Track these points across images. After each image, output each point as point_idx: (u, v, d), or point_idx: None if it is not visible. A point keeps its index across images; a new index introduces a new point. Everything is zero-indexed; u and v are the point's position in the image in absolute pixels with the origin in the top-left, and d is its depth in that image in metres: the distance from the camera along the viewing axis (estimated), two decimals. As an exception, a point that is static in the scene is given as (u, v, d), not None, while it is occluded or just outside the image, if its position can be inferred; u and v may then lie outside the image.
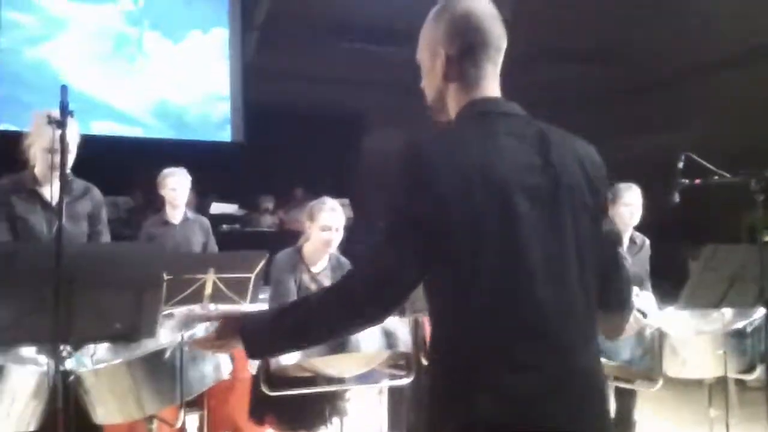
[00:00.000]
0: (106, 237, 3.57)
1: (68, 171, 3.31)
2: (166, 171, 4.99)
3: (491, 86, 1.70)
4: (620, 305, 1.80)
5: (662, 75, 11.65)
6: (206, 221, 5.20)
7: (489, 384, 1.50)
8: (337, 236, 3.80)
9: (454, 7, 1.69)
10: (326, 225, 3.76)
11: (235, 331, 1.72)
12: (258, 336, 1.70)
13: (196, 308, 3.08)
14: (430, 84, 1.75)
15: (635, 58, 11.61)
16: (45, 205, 3.31)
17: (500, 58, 1.71)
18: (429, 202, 1.53)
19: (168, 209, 5.00)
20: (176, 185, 4.93)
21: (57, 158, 3.16)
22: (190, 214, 5.07)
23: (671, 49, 11.15)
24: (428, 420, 1.60)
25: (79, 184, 3.46)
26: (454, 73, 1.69)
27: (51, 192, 3.20)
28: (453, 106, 1.71)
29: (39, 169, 3.32)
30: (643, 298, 4.24)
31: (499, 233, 1.52)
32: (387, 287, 1.60)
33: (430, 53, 1.72)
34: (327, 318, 1.64)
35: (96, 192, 3.52)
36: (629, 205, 4.21)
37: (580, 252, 1.59)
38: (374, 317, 1.65)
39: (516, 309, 1.52)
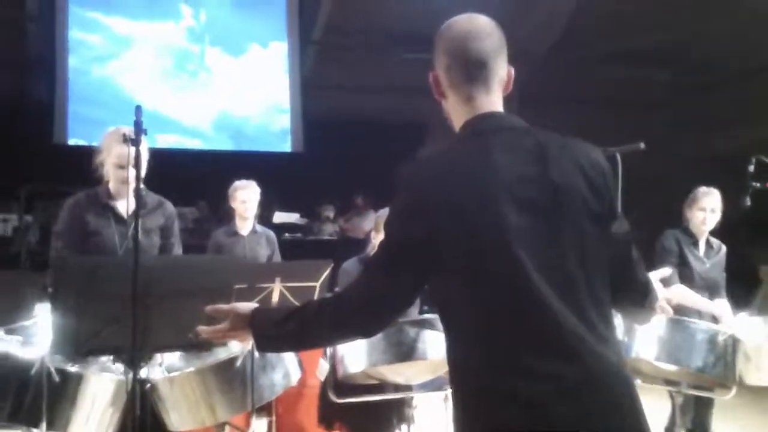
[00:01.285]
0: (178, 249, 3.65)
1: (142, 186, 3.45)
2: (237, 183, 5.04)
3: (486, 102, 1.71)
4: (641, 299, 1.80)
5: (730, 73, 11.35)
6: (273, 234, 5.26)
7: (506, 396, 1.52)
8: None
9: (450, 28, 1.73)
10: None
11: (246, 323, 1.79)
12: (265, 332, 1.78)
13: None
14: (440, 101, 1.80)
15: (703, 57, 11.35)
16: (118, 219, 3.39)
17: (494, 74, 1.71)
18: (422, 227, 1.58)
19: (237, 221, 5.06)
20: (246, 198, 4.98)
21: (130, 173, 3.29)
22: (258, 227, 5.13)
23: (739, 47, 10.87)
24: None
25: (152, 198, 3.54)
26: (450, 93, 1.73)
27: (126, 207, 3.27)
28: (456, 123, 1.76)
29: (113, 185, 3.42)
30: (718, 304, 4.15)
31: (494, 249, 1.55)
32: (378, 308, 1.68)
33: (435, 72, 1.76)
34: (323, 329, 1.72)
35: (168, 205, 3.60)
36: (704, 209, 4.12)
37: (584, 258, 1.60)
38: (366, 334, 1.76)
39: (521, 319, 1.54)
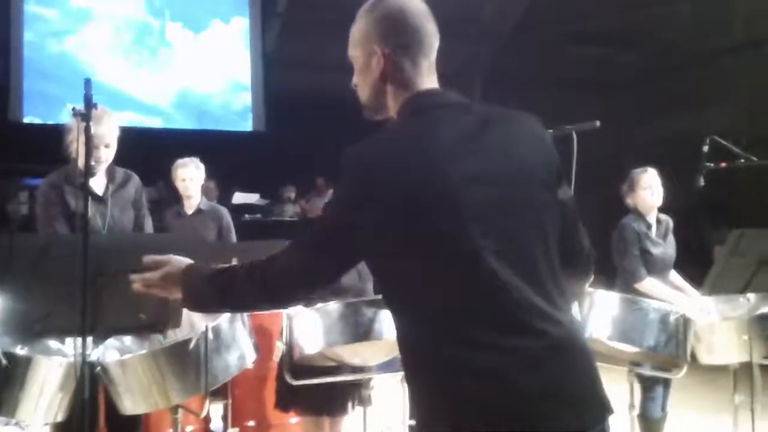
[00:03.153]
0: (149, 220, 3.65)
1: (109, 161, 3.41)
2: (178, 162, 4.88)
3: (428, 81, 1.71)
4: (585, 266, 1.82)
5: (688, 57, 11.49)
6: (221, 210, 5.06)
7: (469, 370, 1.51)
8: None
9: (388, 5, 1.70)
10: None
11: (178, 276, 1.79)
12: (194, 290, 1.77)
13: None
14: (365, 82, 1.75)
15: (667, 38, 11.47)
16: (95, 198, 3.36)
17: (434, 54, 1.72)
18: (368, 216, 1.56)
19: (184, 200, 4.92)
20: (187, 176, 4.83)
21: (101, 153, 3.25)
22: (205, 205, 4.95)
23: (698, 31, 11.00)
24: (420, 420, 1.63)
25: (119, 172, 3.52)
26: (392, 72, 1.69)
27: (100, 184, 3.35)
28: (392, 104, 1.72)
29: (83, 163, 3.37)
30: (674, 277, 4.25)
31: (448, 229, 1.54)
32: (300, 284, 1.69)
33: (364, 51, 1.72)
34: (245, 293, 1.72)
35: (135, 177, 3.58)
36: (647, 187, 4.17)
37: (539, 227, 1.62)
38: (283, 304, 1.84)
39: (480, 297, 1.53)
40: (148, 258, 1.85)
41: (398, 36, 1.68)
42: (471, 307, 1.54)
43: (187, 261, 1.82)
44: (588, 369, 1.60)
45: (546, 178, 1.66)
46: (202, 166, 4.89)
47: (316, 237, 1.67)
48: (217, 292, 1.74)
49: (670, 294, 4.05)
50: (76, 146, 3.31)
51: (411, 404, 1.71)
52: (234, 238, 5.03)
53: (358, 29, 1.74)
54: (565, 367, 1.55)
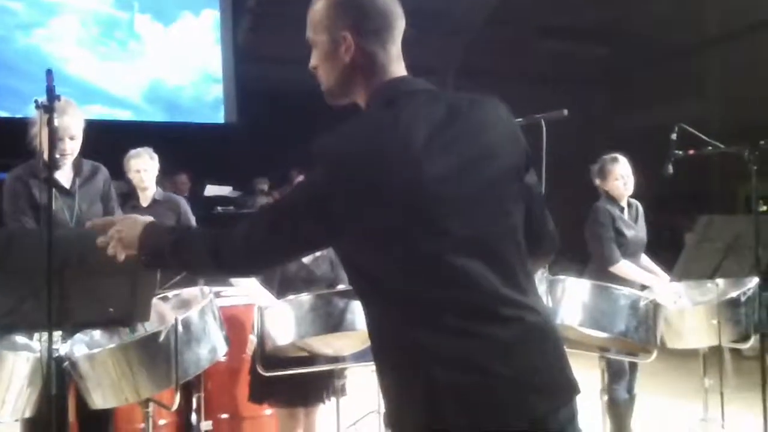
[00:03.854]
0: (118, 212, 3.58)
1: (76, 154, 3.35)
2: (130, 152, 4.70)
3: (397, 67, 1.68)
4: (550, 248, 1.83)
5: (661, 51, 11.59)
6: (177, 199, 4.92)
7: (442, 358, 1.51)
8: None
9: None
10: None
11: (136, 233, 1.77)
12: (150, 241, 1.75)
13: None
14: (331, 68, 1.68)
15: (634, 35, 11.56)
16: (62, 190, 3.31)
17: (400, 38, 1.69)
18: (337, 211, 1.54)
19: (139, 193, 4.72)
20: (140, 166, 4.64)
21: (65, 145, 3.21)
22: (160, 195, 4.77)
23: (670, 26, 11.10)
24: (391, 411, 1.63)
25: (87, 164, 3.46)
26: (363, 60, 1.64)
27: (66, 177, 3.31)
28: (361, 91, 1.68)
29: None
30: (644, 261, 4.30)
31: (420, 221, 1.53)
32: (246, 258, 1.68)
33: (329, 37, 1.66)
34: (197, 254, 1.72)
35: (103, 169, 3.53)
36: (620, 177, 4.21)
37: (509, 214, 1.62)
38: (229, 274, 1.98)
39: (453, 288, 1.53)
40: (95, 222, 1.88)
41: (367, 21, 1.64)
42: (440, 298, 1.53)
43: (145, 219, 1.81)
44: (559, 354, 1.62)
45: (514, 164, 1.65)
46: (155, 156, 4.73)
47: (275, 219, 1.64)
48: (170, 245, 1.72)
49: (645, 276, 4.09)
50: (40, 139, 3.27)
51: (382, 394, 1.69)
52: (193, 223, 4.86)
53: (320, 10, 1.67)
54: (538, 352, 1.56)
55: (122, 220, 1.84)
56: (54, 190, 3.20)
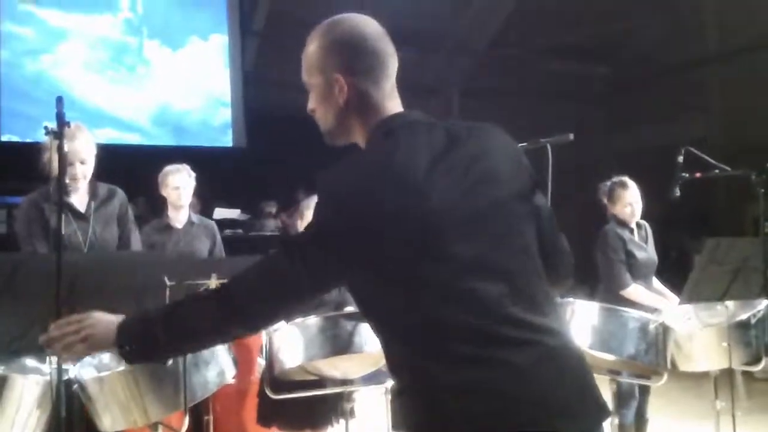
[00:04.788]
0: (136, 234, 3.58)
1: (90, 177, 3.39)
2: (168, 168, 4.50)
3: (392, 103, 1.69)
4: (567, 269, 1.81)
5: (662, 68, 11.63)
6: (212, 225, 4.72)
7: (460, 387, 1.50)
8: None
9: (343, 31, 1.66)
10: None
11: (109, 329, 1.66)
12: (135, 334, 1.65)
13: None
14: (327, 109, 1.69)
15: (635, 53, 11.62)
16: (76, 214, 3.34)
17: (394, 75, 1.69)
18: (347, 239, 1.53)
19: (170, 211, 4.50)
20: (179, 183, 4.42)
21: (76, 169, 3.23)
22: (195, 218, 4.59)
23: (670, 44, 11.16)
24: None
25: (103, 187, 3.48)
26: (356, 99, 1.65)
27: (81, 202, 3.32)
28: (359, 130, 1.69)
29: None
30: (655, 283, 4.31)
31: (431, 252, 1.52)
32: (274, 307, 1.64)
33: (324, 78, 1.67)
34: (204, 317, 1.63)
35: (120, 192, 3.53)
36: (628, 205, 4.22)
37: (522, 237, 1.61)
38: (252, 330, 1.73)
39: (467, 317, 1.51)
40: (58, 323, 1.73)
41: (358, 61, 1.65)
42: (449, 325, 1.52)
43: (110, 316, 1.70)
44: (582, 376, 1.59)
45: (520, 188, 1.65)
46: (193, 174, 4.52)
47: (298, 253, 1.59)
48: (165, 323, 1.63)
49: (655, 299, 4.08)
50: (52, 164, 3.30)
51: (400, 419, 1.68)
52: (223, 253, 4.74)
53: (312, 54, 1.68)
54: (557, 376, 1.53)
55: (85, 317, 1.72)
56: (68, 213, 3.25)
